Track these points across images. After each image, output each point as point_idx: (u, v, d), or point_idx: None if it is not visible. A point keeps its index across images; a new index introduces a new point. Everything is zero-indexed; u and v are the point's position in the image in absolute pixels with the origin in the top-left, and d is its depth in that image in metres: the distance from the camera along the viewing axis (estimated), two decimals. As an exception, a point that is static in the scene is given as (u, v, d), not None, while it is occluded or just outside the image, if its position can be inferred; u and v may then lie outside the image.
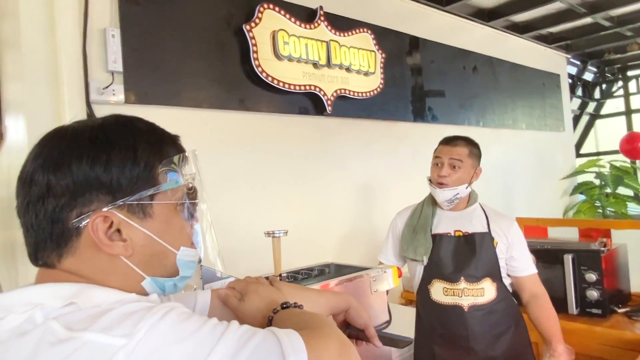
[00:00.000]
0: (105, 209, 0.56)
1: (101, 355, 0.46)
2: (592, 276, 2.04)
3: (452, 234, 1.65)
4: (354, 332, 0.83)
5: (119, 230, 0.57)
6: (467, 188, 1.65)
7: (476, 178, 1.67)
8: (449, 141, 1.69)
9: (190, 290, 0.86)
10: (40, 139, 0.60)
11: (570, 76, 5.04)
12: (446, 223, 1.68)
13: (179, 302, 0.79)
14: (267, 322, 0.71)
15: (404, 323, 1.73)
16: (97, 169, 0.56)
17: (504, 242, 1.61)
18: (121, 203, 0.57)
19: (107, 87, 1.75)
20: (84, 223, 0.56)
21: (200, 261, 0.77)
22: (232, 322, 0.55)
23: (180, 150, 0.64)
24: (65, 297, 0.53)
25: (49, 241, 0.57)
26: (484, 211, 1.68)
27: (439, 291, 1.62)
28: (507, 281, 1.64)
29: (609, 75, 5.57)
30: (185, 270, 0.65)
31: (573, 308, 2.07)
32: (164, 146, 0.62)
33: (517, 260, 1.61)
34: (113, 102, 1.78)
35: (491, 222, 1.64)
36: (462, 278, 1.58)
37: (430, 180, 1.69)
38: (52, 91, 1.69)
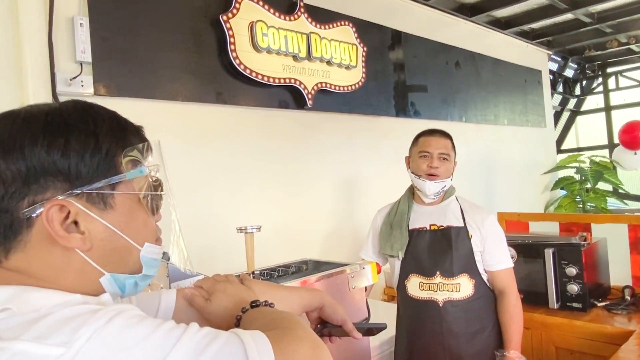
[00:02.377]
0: (61, 197, 0.51)
1: None
2: (572, 270, 2.04)
3: (428, 228, 1.63)
4: (330, 328, 0.80)
5: (75, 222, 0.52)
6: (450, 180, 1.66)
7: (454, 171, 1.70)
8: (432, 133, 1.69)
9: (156, 289, 0.81)
10: None
11: (552, 72, 5.08)
12: (422, 218, 1.67)
13: (142, 302, 0.73)
14: (235, 322, 0.67)
15: (385, 319, 1.70)
16: (53, 153, 0.51)
17: (478, 235, 1.59)
18: (79, 192, 0.52)
19: (74, 78, 1.67)
20: (36, 213, 0.51)
21: (168, 259, 0.72)
22: (190, 325, 0.50)
23: (143, 139, 0.60)
24: None
25: None
26: (460, 204, 1.67)
27: (415, 286, 1.61)
28: (486, 277, 1.62)
29: (589, 71, 5.64)
30: (148, 269, 0.60)
31: (554, 302, 2.07)
32: (127, 134, 0.58)
33: (490, 254, 1.59)
34: (83, 94, 1.71)
35: (466, 215, 1.63)
36: (437, 272, 1.57)
37: (415, 174, 1.66)
38: (15, 83, 1.61)
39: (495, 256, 1.60)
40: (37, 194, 0.51)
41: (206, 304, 0.73)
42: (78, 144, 0.53)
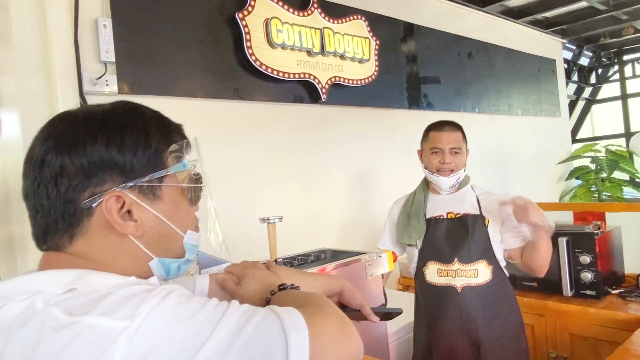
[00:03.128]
0: (117, 189, 0.57)
1: (104, 338, 0.46)
2: (586, 258, 2.06)
3: (445, 217, 1.67)
4: (349, 313, 0.85)
5: (129, 212, 0.59)
6: (464, 171, 1.69)
7: (466, 161, 1.72)
8: (442, 128, 1.69)
9: (187, 276, 0.87)
10: (47, 123, 0.61)
11: (566, 61, 5.02)
12: (439, 207, 1.71)
13: (179, 285, 0.80)
14: (265, 304, 0.72)
15: (401, 307, 1.75)
16: (111, 150, 0.57)
17: (497, 220, 1.62)
18: (132, 184, 0.58)
19: (99, 77, 1.74)
20: (96, 203, 0.57)
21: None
22: (232, 302, 0.55)
23: (184, 137, 0.67)
24: (65, 283, 0.53)
25: (60, 222, 0.57)
26: (475, 193, 1.71)
27: (433, 273, 1.65)
28: (502, 264, 1.65)
29: (605, 59, 5.56)
30: (189, 254, 0.67)
31: (567, 290, 2.10)
32: (171, 132, 0.65)
33: (513, 233, 1.62)
34: (106, 92, 1.78)
35: (482, 202, 1.67)
36: (455, 259, 1.61)
37: (429, 170, 1.70)
38: (44, 83, 1.68)
39: (519, 233, 1.61)
40: (96, 186, 0.57)
41: (237, 288, 0.79)
42: (132, 141, 0.59)
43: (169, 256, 0.64)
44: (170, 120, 0.67)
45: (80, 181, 0.57)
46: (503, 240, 1.64)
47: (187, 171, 0.65)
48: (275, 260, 1.43)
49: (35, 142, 0.60)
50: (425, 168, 1.72)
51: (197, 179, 0.67)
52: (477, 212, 1.64)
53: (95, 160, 0.57)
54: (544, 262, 1.57)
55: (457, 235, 1.62)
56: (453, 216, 1.66)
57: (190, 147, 0.67)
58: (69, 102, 1.66)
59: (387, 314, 0.91)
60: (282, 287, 0.74)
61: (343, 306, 0.86)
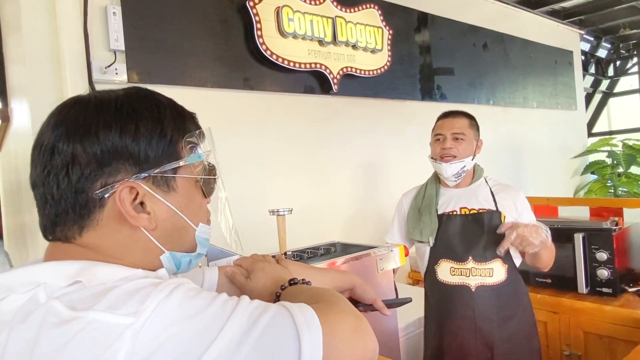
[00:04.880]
0: (130, 180, 0.55)
1: (107, 335, 0.44)
2: (603, 255, 2.01)
3: (459, 212, 1.62)
4: (361, 305, 0.83)
5: (142, 204, 0.56)
6: (472, 160, 1.63)
7: (479, 150, 1.67)
8: (447, 115, 1.68)
9: (196, 267, 0.85)
10: (57, 108, 0.58)
11: (584, 53, 4.91)
12: (451, 201, 1.65)
13: (188, 278, 0.78)
14: (275, 299, 0.70)
15: (412, 302, 1.73)
16: (125, 138, 0.55)
17: (513, 213, 1.58)
18: (146, 175, 0.56)
19: (109, 66, 1.72)
20: (108, 193, 0.54)
21: None
22: (242, 298, 0.53)
23: (198, 126, 0.64)
24: (69, 275, 0.51)
25: (71, 213, 0.55)
26: (489, 186, 1.66)
27: (445, 271, 1.60)
28: (518, 261, 1.61)
29: (624, 51, 5.41)
30: (201, 248, 0.65)
31: (583, 287, 2.05)
32: (186, 121, 0.62)
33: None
34: (116, 81, 1.76)
35: (497, 196, 1.62)
36: (470, 257, 1.56)
37: (433, 158, 1.67)
38: (54, 72, 1.67)
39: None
40: (109, 176, 0.54)
41: (246, 282, 0.77)
42: (146, 130, 0.56)
43: (180, 250, 0.61)
44: (184, 108, 0.64)
45: (93, 170, 0.54)
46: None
47: (202, 162, 0.62)
48: (285, 254, 1.41)
49: (44, 128, 0.57)
50: (431, 157, 1.68)
51: (211, 170, 0.65)
52: (493, 207, 1.59)
53: (108, 148, 0.54)
54: (548, 264, 1.57)
55: (472, 233, 1.57)
56: (467, 212, 1.61)
57: (205, 137, 0.64)
58: (78, 91, 1.64)
59: (398, 304, 0.91)
60: (292, 282, 0.72)
61: (354, 300, 0.84)
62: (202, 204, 0.64)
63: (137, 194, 0.56)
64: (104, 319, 0.45)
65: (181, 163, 0.59)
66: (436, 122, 1.71)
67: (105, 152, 0.54)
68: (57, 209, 0.55)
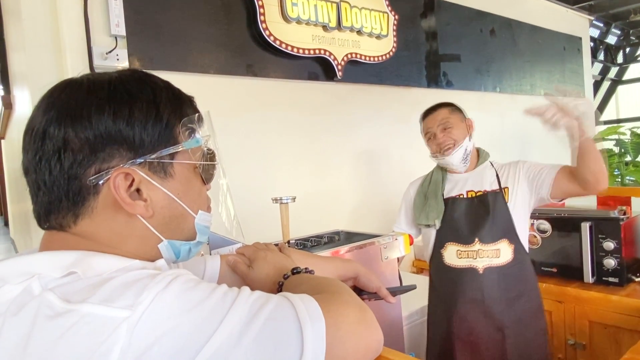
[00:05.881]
0: (126, 166, 0.53)
1: (102, 329, 0.43)
2: (610, 245, 1.99)
3: (465, 195, 1.62)
4: (365, 294, 0.82)
5: (138, 190, 0.54)
6: (470, 140, 1.64)
7: (472, 129, 1.67)
8: (427, 114, 1.71)
9: (198, 256, 0.84)
10: (49, 91, 0.56)
11: (593, 39, 4.82)
12: (457, 185, 1.66)
13: (189, 269, 0.77)
14: (278, 288, 0.69)
15: (415, 290, 1.73)
16: (119, 122, 0.52)
17: (518, 180, 1.56)
18: (142, 160, 0.54)
19: (110, 52, 1.70)
20: (103, 180, 0.52)
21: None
22: (243, 289, 0.51)
23: (196, 110, 0.61)
24: (65, 266, 0.49)
25: (64, 200, 0.53)
26: (495, 169, 1.65)
27: (452, 254, 1.60)
28: (524, 241, 1.60)
29: (634, 38, 5.32)
30: (201, 236, 0.62)
31: (589, 277, 2.03)
32: (183, 105, 0.59)
33: (542, 173, 1.53)
34: (118, 67, 1.74)
35: (500, 173, 1.62)
36: (476, 239, 1.56)
37: (434, 155, 1.68)
38: (54, 58, 1.66)
39: (546, 169, 1.54)
40: (103, 162, 0.52)
41: (248, 271, 0.76)
42: (141, 114, 0.54)
43: (179, 238, 0.59)
44: (181, 91, 0.61)
45: (86, 156, 0.52)
46: (542, 186, 1.50)
47: (200, 147, 0.60)
48: (288, 242, 1.40)
49: (35, 112, 0.54)
50: (432, 155, 1.70)
51: (210, 155, 0.62)
52: (497, 188, 1.59)
53: (102, 133, 0.52)
54: (600, 167, 1.37)
55: (478, 214, 1.57)
56: (473, 194, 1.61)
57: (203, 121, 0.61)
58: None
59: (402, 291, 0.91)
60: (295, 271, 0.71)
61: (358, 289, 0.83)
62: (201, 190, 0.62)
63: (133, 180, 0.53)
64: (99, 312, 0.44)
65: (179, 148, 0.57)
66: (421, 125, 1.74)
67: (99, 136, 0.52)
68: (50, 196, 0.53)
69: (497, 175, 1.63)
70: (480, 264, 1.55)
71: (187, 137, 0.58)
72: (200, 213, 0.61)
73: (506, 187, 1.58)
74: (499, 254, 1.54)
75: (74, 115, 0.52)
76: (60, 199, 0.53)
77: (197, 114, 0.60)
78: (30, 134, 0.54)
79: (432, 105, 1.73)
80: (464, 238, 1.57)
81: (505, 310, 1.54)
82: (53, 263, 0.50)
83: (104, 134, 0.52)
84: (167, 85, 0.60)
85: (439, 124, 1.63)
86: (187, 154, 0.58)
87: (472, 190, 1.62)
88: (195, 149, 0.59)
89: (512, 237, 1.56)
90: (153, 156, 0.54)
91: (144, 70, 0.60)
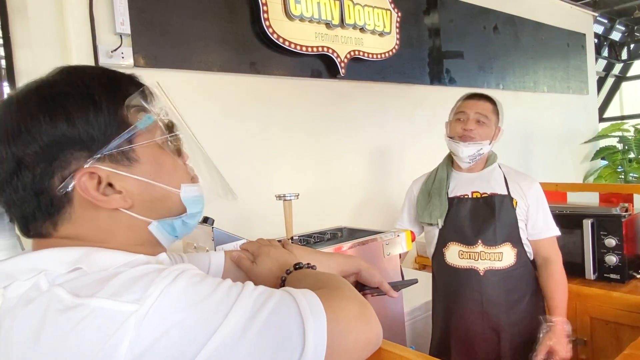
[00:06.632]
0: (86, 166, 0.52)
1: (111, 322, 0.44)
2: (611, 241, 1.99)
3: (470, 196, 1.60)
4: (368, 289, 0.84)
5: (110, 184, 0.54)
6: (489, 145, 1.59)
7: (496, 138, 1.62)
8: (472, 96, 1.63)
9: (202, 252, 0.86)
10: None
11: (597, 35, 4.80)
12: (463, 185, 1.63)
13: (194, 264, 0.79)
14: (280, 283, 0.71)
15: (417, 287, 1.74)
16: (60, 126, 0.51)
17: (523, 203, 1.56)
18: (100, 155, 0.52)
19: (115, 50, 1.72)
20: (70, 186, 0.52)
21: (212, 223, 0.75)
22: (247, 284, 0.53)
23: (139, 86, 0.58)
24: (70, 262, 0.50)
25: (38, 213, 0.53)
26: (503, 172, 1.63)
27: (454, 254, 1.60)
28: (528, 247, 1.59)
29: (638, 34, 5.29)
30: (193, 207, 0.61)
31: (590, 273, 2.04)
32: (121, 85, 0.56)
33: (536, 222, 1.56)
34: (123, 65, 1.75)
35: (510, 182, 1.59)
36: (479, 241, 1.55)
37: (450, 137, 1.61)
38: (60, 56, 1.67)
39: (542, 223, 1.56)
40: (63, 169, 0.52)
41: (252, 266, 0.78)
42: (78, 110, 0.52)
43: (168, 215, 0.59)
44: (117, 72, 0.58)
45: (43, 169, 0.51)
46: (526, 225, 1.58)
47: (155, 122, 0.57)
48: (291, 238, 1.42)
49: None
50: (449, 136, 1.62)
51: (170, 127, 0.59)
52: (505, 192, 1.57)
53: (47, 143, 0.51)
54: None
55: (482, 216, 1.55)
56: (479, 195, 1.59)
57: (152, 94, 0.58)
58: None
59: (403, 285, 0.92)
60: (298, 266, 0.73)
61: (360, 284, 0.84)
62: (175, 165, 0.59)
63: (100, 177, 0.53)
64: (108, 306, 0.45)
65: (133, 131, 0.54)
66: (458, 102, 1.65)
67: (46, 146, 0.51)
68: (22, 212, 0.53)
69: (505, 179, 1.60)
70: (482, 265, 1.54)
71: (137, 117, 0.56)
72: (184, 186, 0.59)
73: (515, 200, 1.56)
74: (501, 257, 1.53)
75: (13, 134, 0.51)
76: (33, 214, 0.53)
77: (139, 90, 0.57)
78: None
79: (481, 92, 1.66)
80: (467, 239, 1.56)
81: (503, 313, 1.54)
82: (59, 259, 0.51)
83: (50, 142, 0.51)
84: (101, 71, 0.57)
85: (477, 113, 1.57)
86: (145, 133, 0.56)
87: (477, 192, 1.59)
88: (150, 126, 0.56)
89: (516, 241, 1.55)
90: (109, 147, 0.53)
91: (75, 65, 0.58)
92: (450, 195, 1.63)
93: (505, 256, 1.54)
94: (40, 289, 0.49)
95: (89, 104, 0.52)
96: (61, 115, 0.51)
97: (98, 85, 0.54)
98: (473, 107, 1.58)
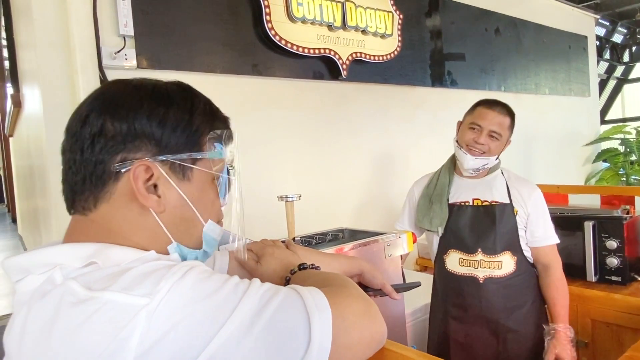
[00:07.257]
0: (148, 160, 0.56)
1: (123, 315, 0.45)
2: (613, 243, 2.00)
3: (471, 203, 1.59)
4: (371, 290, 0.85)
5: (155, 186, 0.57)
6: (496, 159, 1.57)
7: (504, 149, 1.60)
8: (491, 106, 1.56)
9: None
10: (103, 84, 0.64)
11: (598, 38, 4.80)
12: (464, 191, 1.61)
13: None
14: (285, 283, 0.72)
15: (418, 288, 1.74)
16: (153, 120, 0.57)
17: (523, 210, 1.54)
18: (164, 158, 0.57)
19: (118, 51, 1.73)
20: (125, 168, 0.56)
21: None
22: (253, 280, 0.54)
23: (228, 128, 0.65)
24: (84, 257, 0.52)
25: (87, 181, 0.56)
26: (505, 178, 1.61)
27: (454, 261, 1.59)
28: (528, 253, 1.58)
29: (640, 36, 5.30)
30: (208, 246, 0.64)
31: (592, 275, 2.04)
32: (216, 119, 0.63)
33: (536, 230, 1.55)
34: (126, 67, 1.76)
35: (511, 189, 1.57)
36: (479, 250, 1.54)
37: (458, 142, 1.59)
38: (64, 57, 1.68)
39: (541, 232, 1.55)
40: (130, 152, 0.56)
41: (256, 266, 0.78)
42: (175, 117, 0.58)
43: (187, 244, 0.61)
44: (219, 109, 0.66)
45: (116, 144, 0.56)
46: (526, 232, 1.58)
47: (223, 160, 0.63)
48: (293, 239, 1.43)
49: (86, 99, 0.60)
50: (457, 141, 1.59)
51: (229, 169, 0.65)
52: (507, 201, 1.55)
53: (134, 127, 0.56)
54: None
55: (482, 225, 1.54)
56: (480, 203, 1.57)
57: (232, 140, 0.65)
58: (88, 76, 1.65)
59: (406, 288, 0.92)
60: (302, 267, 0.73)
61: (363, 286, 0.85)
62: (214, 201, 0.64)
63: (152, 174, 0.57)
64: (120, 300, 0.46)
65: (202, 155, 0.60)
66: (476, 108, 1.58)
67: (131, 129, 0.56)
68: (76, 175, 0.57)
69: (507, 186, 1.58)
70: (481, 273, 1.54)
71: (211, 146, 0.62)
72: (210, 223, 0.63)
73: (516, 209, 1.55)
74: (501, 265, 1.53)
75: (115, 107, 0.57)
76: (84, 180, 0.57)
77: (226, 130, 0.64)
78: (75, 117, 0.59)
79: (501, 101, 1.59)
80: (467, 247, 1.56)
81: (502, 319, 1.53)
82: (74, 254, 0.53)
83: (137, 128, 0.56)
84: (207, 100, 0.64)
85: (492, 129, 1.52)
86: (208, 163, 0.61)
87: (478, 199, 1.58)
88: (217, 160, 0.62)
89: (516, 249, 1.54)
90: (176, 157, 0.58)
91: (190, 85, 0.64)
92: (451, 201, 1.61)
93: (504, 265, 1.53)
94: (55, 282, 0.50)
95: (186, 118, 0.59)
96: (159, 116, 0.57)
97: (201, 109, 0.61)
98: (490, 122, 1.53)
